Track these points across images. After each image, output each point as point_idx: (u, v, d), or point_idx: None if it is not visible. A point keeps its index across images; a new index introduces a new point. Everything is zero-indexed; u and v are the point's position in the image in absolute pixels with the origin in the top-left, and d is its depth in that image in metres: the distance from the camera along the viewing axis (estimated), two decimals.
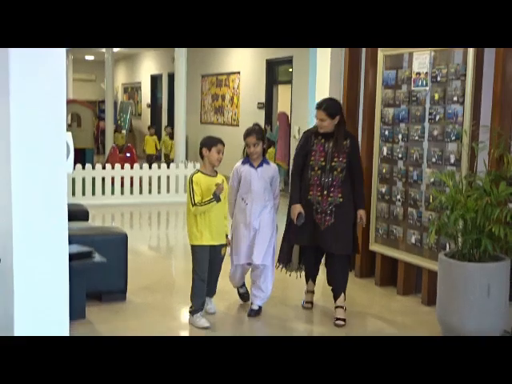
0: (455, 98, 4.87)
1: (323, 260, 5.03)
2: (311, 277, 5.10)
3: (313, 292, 5.12)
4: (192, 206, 4.44)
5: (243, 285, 5.17)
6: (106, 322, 4.62)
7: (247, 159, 4.84)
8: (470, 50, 4.72)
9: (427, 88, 5.14)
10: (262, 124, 12.67)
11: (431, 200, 4.97)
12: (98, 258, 4.58)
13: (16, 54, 3.22)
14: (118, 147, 14.44)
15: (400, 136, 5.40)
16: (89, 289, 4.69)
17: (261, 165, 4.82)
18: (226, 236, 4.71)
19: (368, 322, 4.96)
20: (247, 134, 4.79)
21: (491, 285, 4.22)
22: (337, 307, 4.79)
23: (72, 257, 3.78)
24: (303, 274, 5.15)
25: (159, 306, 5.15)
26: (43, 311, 3.53)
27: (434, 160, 5.06)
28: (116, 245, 5.05)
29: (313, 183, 4.72)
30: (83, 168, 10.03)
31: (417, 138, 5.24)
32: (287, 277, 5.35)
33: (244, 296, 5.18)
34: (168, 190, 10.62)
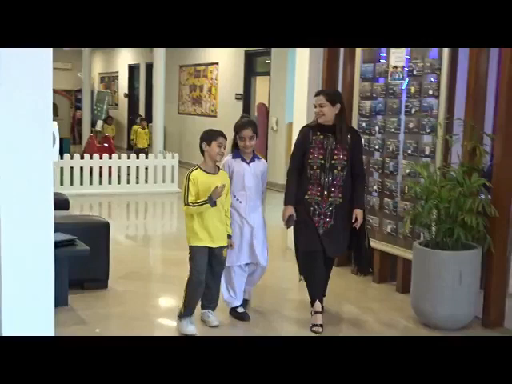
0: (430, 92, 5.01)
1: None
2: (319, 295, 4.51)
3: (322, 313, 4.49)
4: (184, 205, 4.16)
5: (241, 304, 4.63)
6: (89, 309, 4.70)
7: (237, 153, 4.49)
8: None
9: (403, 81, 5.28)
10: (241, 114, 12.76)
11: (406, 190, 5.11)
12: (81, 246, 4.64)
13: None
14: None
15: (377, 128, 5.54)
16: (71, 277, 4.75)
17: (253, 160, 4.50)
18: (229, 236, 4.36)
19: (344, 309, 5.09)
20: (242, 126, 4.44)
21: (463, 272, 4.38)
22: (316, 312, 4.45)
23: (56, 244, 3.85)
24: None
25: (140, 293, 5.24)
26: (29, 298, 3.59)
27: (409, 152, 5.20)
28: (98, 233, 5.12)
29: (312, 182, 4.40)
30: (61, 158, 10.03)
31: (393, 130, 5.38)
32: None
33: (245, 316, 4.58)
34: (146, 181, 10.68)
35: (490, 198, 4.49)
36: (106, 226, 5.22)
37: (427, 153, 5.05)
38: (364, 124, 5.70)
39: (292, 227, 4.54)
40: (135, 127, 14.35)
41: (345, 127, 4.42)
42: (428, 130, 5.03)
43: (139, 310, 4.81)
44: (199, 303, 4.38)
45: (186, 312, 4.24)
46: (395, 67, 5.36)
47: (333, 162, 4.36)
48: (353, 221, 4.42)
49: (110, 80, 20.34)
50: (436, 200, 4.44)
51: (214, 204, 4.09)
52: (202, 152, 4.25)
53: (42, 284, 3.69)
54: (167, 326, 4.63)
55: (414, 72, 5.16)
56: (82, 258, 4.70)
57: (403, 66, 5.27)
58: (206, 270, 4.24)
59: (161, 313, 4.91)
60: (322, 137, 4.40)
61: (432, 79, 5.00)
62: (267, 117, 11.75)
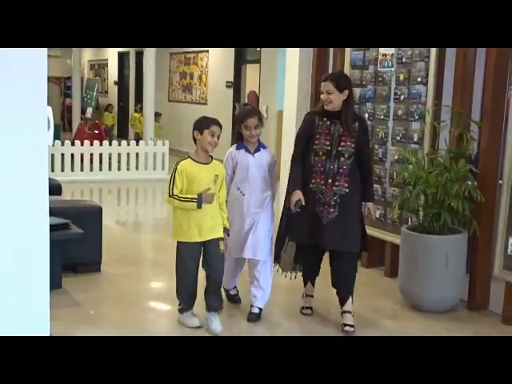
0: (419, 79, 5.09)
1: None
2: (311, 279, 4.49)
3: (312, 296, 4.53)
4: (168, 196, 3.91)
5: (234, 287, 4.64)
6: (83, 291, 4.77)
7: (242, 144, 4.28)
8: None
9: (392, 69, 5.35)
10: (231, 102, 12.80)
11: (395, 176, 5.20)
12: (74, 229, 4.70)
13: None
14: (107, 128, 14.34)
15: (366, 115, 5.61)
16: (64, 260, 4.81)
17: (258, 150, 4.28)
18: (225, 230, 4.08)
19: (333, 293, 5.17)
20: (247, 114, 4.24)
21: (449, 256, 4.49)
22: (344, 312, 4.25)
23: (50, 228, 3.90)
24: (299, 274, 4.58)
25: (133, 276, 5.32)
26: (24, 280, 3.65)
27: (398, 138, 5.29)
28: (91, 217, 5.18)
29: (316, 170, 4.15)
30: (52, 144, 10.04)
31: (382, 117, 5.46)
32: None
33: (235, 298, 4.62)
34: (137, 167, 10.73)
35: (477, 184, 4.59)
36: (98, 211, 5.29)
37: (415, 139, 5.14)
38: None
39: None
40: (135, 114, 14.38)
41: (352, 114, 4.18)
42: (416, 117, 5.12)
43: (132, 292, 4.88)
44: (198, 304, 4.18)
45: (183, 306, 4.13)
46: (384, 55, 5.44)
47: (340, 148, 4.12)
48: (365, 214, 4.26)
49: (99, 67, 20.27)
50: (424, 185, 4.53)
51: (199, 206, 3.86)
52: (195, 140, 4.01)
53: (37, 266, 3.75)
54: (159, 308, 4.72)
55: (403, 59, 5.24)
56: (76, 241, 4.76)
57: (392, 54, 5.35)
58: (203, 265, 4.05)
59: (153, 295, 4.98)
60: (328, 122, 4.16)
61: (420, 67, 5.08)
62: (258, 105, 11.80)
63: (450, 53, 4.88)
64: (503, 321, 4.45)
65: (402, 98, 5.26)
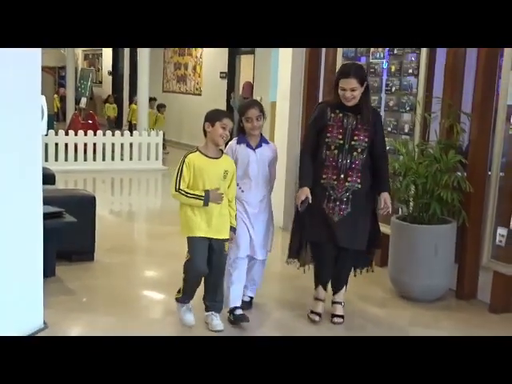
0: (410, 71, 5.14)
1: None
2: (323, 282, 4.22)
3: (323, 301, 4.22)
4: (174, 191, 3.72)
5: (240, 306, 4.13)
6: (76, 280, 4.81)
7: (243, 138, 4.08)
8: None
9: (384, 60, 5.40)
10: (225, 93, 12.81)
11: None
12: (68, 218, 4.73)
13: None
14: (110, 120, 14.14)
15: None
16: (58, 249, 4.84)
17: (259, 145, 4.09)
18: (231, 228, 3.91)
19: None
20: (248, 105, 4.07)
21: (438, 246, 4.55)
22: (335, 303, 4.24)
23: (44, 216, 3.95)
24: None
25: (126, 265, 5.36)
26: (18, 268, 3.69)
27: (389, 129, 5.34)
28: (85, 206, 5.21)
29: (328, 165, 3.97)
30: (46, 134, 10.04)
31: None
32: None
33: (243, 318, 4.05)
34: (131, 157, 10.75)
35: (466, 175, 4.65)
36: (92, 200, 5.32)
37: (406, 130, 5.19)
38: None
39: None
40: (134, 106, 13.92)
41: (368, 109, 3.97)
42: (407, 108, 5.17)
43: (125, 281, 4.93)
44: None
45: (182, 297, 3.94)
46: None
47: (353, 142, 3.93)
48: (381, 206, 4.04)
49: (94, 57, 20.22)
50: (414, 176, 4.58)
51: (206, 204, 3.70)
52: (205, 133, 3.81)
53: (31, 254, 3.79)
54: (152, 296, 4.78)
55: (395, 51, 5.28)
56: (69, 230, 4.79)
57: None
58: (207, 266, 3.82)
59: (146, 283, 5.03)
60: (341, 115, 3.95)
61: (412, 58, 5.12)
62: (252, 95, 11.81)
63: None
64: (491, 310, 4.52)
65: (393, 89, 5.31)
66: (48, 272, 4.49)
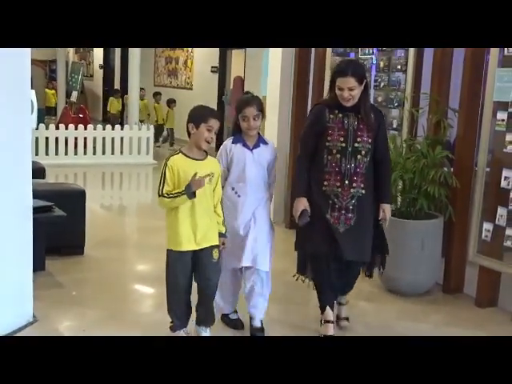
0: (399, 67, 5.18)
1: None
2: (330, 303, 3.88)
3: (333, 322, 3.89)
4: (158, 196, 3.40)
5: (235, 311, 4.02)
6: (66, 273, 4.83)
7: (239, 137, 3.74)
8: None
9: (373, 56, 5.44)
10: (217, 87, 12.81)
11: None
12: (58, 212, 4.75)
13: None
14: (113, 116, 13.94)
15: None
16: (48, 242, 4.86)
17: (257, 145, 3.74)
18: (221, 235, 3.55)
19: None
20: (245, 103, 3.68)
21: (425, 240, 4.59)
22: (341, 304, 4.08)
23: (33, 210, 3.97)
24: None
25: (116, 259, 5.38)
26: (7, 262, 3.71)
27: None
28: (74, 200, 5.23)
29: (330, 170, 3.65)
30: (36, 128, 10.03)
31: None
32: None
33: (237, 323, 3.97)
34: (121, 152, 10.75)
35: (453, 170, 4.70)
36: (82, 194, 5.34)
37: (394, 126, 5.23)
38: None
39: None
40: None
41: (369, 108, 3.69)
42: (396, 104, 5.22)
43: (115, 275, 4.96)
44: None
45: (175, 323, 3.58)
46: None
47: (356, 145, 3.63)
48: (380, 217, 3.75)
49: (85, 51, 20.14)
50: (401, 171, 4.62)
51: (192, 195, 3.32)
52: (189, 134, 3.46)
53: (21, 248, 3.81)
54: (142, 290, 4.81)
55: (383, 47, 5.32)
56: (59, 224, 4.80)
57: None
58: (195, 277, 3.52)
59: (136, 277, 5.06)
60: (341, 115, 3.64)
61: (400, 55, 5.16)
62: (242, 89, 11.83)
63: None
64: (477, 304, 4.58)
65: (381, 85, 5.35)
66: (37, 266, 4.50)
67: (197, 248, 3.43)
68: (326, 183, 3.67)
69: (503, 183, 4.28)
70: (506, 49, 4.25)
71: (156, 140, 12.52)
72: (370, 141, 3.66)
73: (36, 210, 4.37)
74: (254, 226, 3.73)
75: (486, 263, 4.50)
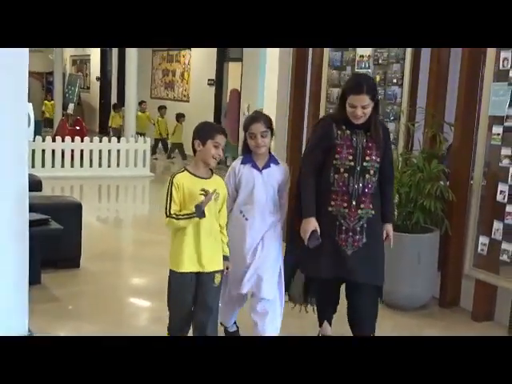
0: (395, 81, 5.21)
1: None
2: (328, 318, 3.84)
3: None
4: (165, 217, 3.26)
5: (234, 322, 3.96)
6: (62, 287, 4.82)
7: (249, 157, 3.58)
8: None
9: (369, 70, 5.46)
10: (213, 100, 12.85)
11: None
12: (54, 225, 4.74)
13: None
14: (114, 129, 13.76)
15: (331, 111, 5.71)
16: (44, 256, 4.85)
17: (267, 165, 3.57)
18: (225, 258, 3.41)
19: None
20: (251, 120, 3.55)
21: (422, 254, 4.60)
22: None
23: (29, 224, 3.96)
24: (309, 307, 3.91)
25: (112, 272, 5.38)
26: (3, 275, 3.70)
27: None
28: (70, 213, 5.23)
29: (337, 190, 3.47)
30: (33, 140, 10.03)
31: None
32: None
33: (235, 335, 3.94)
34: (118, 164, 10.75)
35: (448, 184, 4.71)
36: (78, 207, 5.34)
37: (391, 139, 5.23)
38: (331, 111, 5.87)
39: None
40: (140, 114, 13.53)
41: (378, 125, 3.52)
42: (392, 118, 5.24)
43: (111, 288, 4.95)
44: None
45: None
46: (362, 56, 5.55)
47: (365, 164, 3.46)
48: (384, 238, 3.64)
49: (82, 63, 20.21)
50: (397, 185, 4.63)
51: (203, 215, 3.19)
52: (194, 151, 3.34)
53: (16, 262, 3.80)
54: (138, 303, 4.80)
55: (380, 61, 5.35)
56: (55, 237, 4.79)
57: (369, 55, 5.46)
58: (194, 301, 3.35)
59: (132, 291, 5.06)
60: (348, 132, 3.46)
61: (396, 68, 5.19)
62: (239, 101, 11.88)
63: (425, 55, 4.99)
64: (473, 318, 4.58)
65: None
66: (33, 279, 4.47)
67: (200, 270, 3.29)
68: (332, 203, 3.48)
69: (499, 197, 4.29)
70: (500, 63, 4.28)
71: (153, 152, 12.55)
72: (378, 160, 3.50)
73: (32, 223, 4.36)
74: (261, 251, 3.56)
75: (483, 277, 4.50)
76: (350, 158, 3.46)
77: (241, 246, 3.55)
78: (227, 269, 3.43)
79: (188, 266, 3.28)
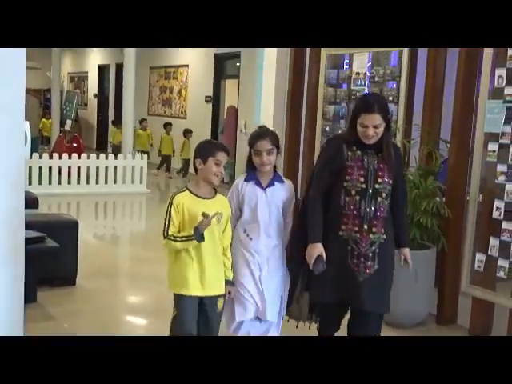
0: (390, 98, 5.23)
1: None
2: (331, 334, 3.75)
3: None
4: (163, 238, 3.18)
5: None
6: (58, 305, 4.80)
7: (252, 174, 3.48)
8: (405, 55, 5.09)
9: (365, 87, 5.49)
10: (211, 117, 12.89)
11: None
12: (50, 243, 4.73)
13: None
14: (115, 146, 13.66)
15: (340, 132, 5.74)
16: (40, 273, 4.83)
17: (271, 183, 3.47)
18: (227, 282, 3.34)
19: None
20: (257, 136, 3.44)
21: (418, 271, 4.58)
22: None
23: (25, 241, 3.95)
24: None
25: (108, 290, 5.35)
26: None
27: None
28: (67, 231, 5.21)
29: (348, 213, 3.33)
30: (30, 157, 10.04)
31: None
32: None
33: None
34: (115, 181, 10.74)
35: (445, 200, 4.72)
36: (74, 224, 5.33)
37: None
38: (328, 128, 5.91)
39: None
40: (140, 131, 13.55)
41: (390, 146, 3.38)
42: None
43: (107, 306, 4.93)
44: None
45: None
46: (358, 73, 5.58)
47: (377, 186, 3.32)
48: (402, 264, 3.52)
49: (79, 80, 20.29)
50: None
51: (201, 239, 3.11)
52: (196, 170, 3.28)
53: (12, 280, 3.78)
54: (134, 322, 4.77)
55: (376, 79, 5.39)
56: (51, 255, 4.79)
57: (365, 73, 5.49)
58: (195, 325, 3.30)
59: (128, 309, 5.03)
60: (359, 153, 3.34)
61: (392, 86, 5.22)
62: (235, 118, 11.92)
63: (420, 73, 5.03)
64: (470, 334, 4.56)
65: None
66: (29, 297, 4.46)
67: (203, 294, 3.23)
68: (343, 227, 3.33)
69: (495, 214, 4.30)
70: (495, 81, 4.30)
71: (158, 168, 12.73)
72: (390, 182, 3.36)
73: (28, 240, 4.36)
74: (266, 273, 3.47)
75: (479, 294, 4.50)
76: (362, 179, 3.32)
77: (245, 267, 3.46)
78: (229, 293, 3.35)
79: (192, 289, 3.20)
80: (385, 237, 3.36)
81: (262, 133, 3.47)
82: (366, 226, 3.31)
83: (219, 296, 3.28)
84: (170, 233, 3.15)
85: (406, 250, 3.53)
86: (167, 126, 13.47)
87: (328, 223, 3.36)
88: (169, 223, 3.16)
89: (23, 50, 3.54)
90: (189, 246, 3.16)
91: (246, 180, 3.49)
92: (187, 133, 12.98)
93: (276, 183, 3.49)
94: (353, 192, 3.32)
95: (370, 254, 3.33)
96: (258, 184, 3.46)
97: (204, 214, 3.09)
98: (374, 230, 3.32)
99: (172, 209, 3.18)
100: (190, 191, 3.24)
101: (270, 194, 3.46)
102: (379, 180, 3.33)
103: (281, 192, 3.49)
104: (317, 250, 3.30)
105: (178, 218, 3.17)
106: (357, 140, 3.34)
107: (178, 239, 3.14)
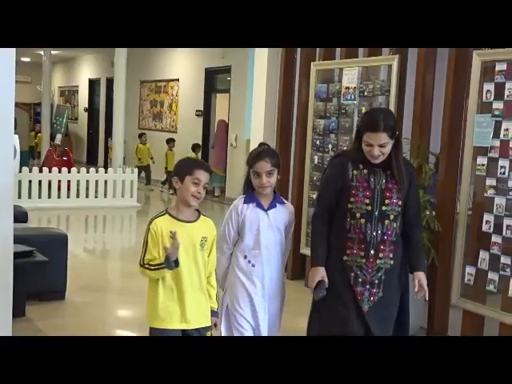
0: None
1: None
2: None
3: None
4: (139, 266, 2.90)
5: None
6: (46, 319, 4.77)
7: (251, 195, 3.25)
8: (394, 69, 5.12)
9: (355, 102, 5.52)
10: (201, 131, 12.90)
11: None
12: (39, 257, 4.71)
13: None
14: (141, 166, 13.27)
15: (330, 146, 5.76)
16: (28, 288, 4.80)
17: (273, 205, 3.24)
18: (213, 313, 3.06)
19: (300, 323, 5.24)
20: (257, 157, 3.20)
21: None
22: None
23: (14, 255, 3.93)
24: None
25: (97, 304, 5.33)
26: None
27: None
28: (56, 245, 5.19)
29: (353, 237, 3.13)
30: (20, 171, 10.00)
31: (345, 147, 5.59)
32: None
33: None
34: (105, 195, 10.72)
35: (435, 214, 4.73)
36: (64, 239, 5.31)
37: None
38: (318, 142, 5.92)
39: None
40: (141, 146, 13.50)
41: (401, 164, 3.13)
42: None
43: (96, 320, 4.90)
44: None
45: None
46: (347, 88, 5.60)
47: (384, 208, 3.11)
48: (416, 290, 3.23)
49: (70, 94, 20.29)
50: None
51: (173, 265, 2.81)
52: (175, 190, 3.00)
53: (0, 294, 3.76)
54: (123, 336, 4.73)
55: (365, 93, 5.41)
56: (40, 269, 4.76)
57: (355, 87, 5.52)
58: None
59: (117, 323, 5.00)
60: (366, 171, 3.12)
61: (382, 100, 5.25)
62: (226, 132, 11.96)
63: (409, 87, 5.06)
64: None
65: None
66: (17, 312, 4.44)
67: (186, 328, 2.93)
68: (348, 252, 3.14)
69: (485, 227, 4.31)
70: (484, 95, 4.34)
71: (163, 183, 12.75)
72: (399, 203, 3.12)
73: (17, 255, 4.33)
74: (267, 301, 3.28)
75: (470, 307, 4.50)
76: (367, 201, 3.10)
77: (245, 296, 3.25)
78: (215, 326, 3.09)
79: (174, 323, 2.91)
80: (392, 262, 3.16)
81: (262, 153, 3.22)
82: (372, 251, 3.11)
83: (205, 328, 3.00)
84: (145, 261, 2.88)
85: (421, 275, 3.23)
86: (170, 141, 13.21)
87: (331, 247, 3.19)
88: (145, 251, 2.89)
89: (12, 62, 3.54)
90: (164, 274, 2.87)
91: (245, 202, 3.25)
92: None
93: (277, 205, 3.27)
94: (357, 215, 3.11)
95: (376, 281, 3.14)
96: (259, 206, 3.23)
97: (171, 233, 2.81)
98: (380, 255, 3.13)
99: (149, 236, 2.89)
100: (170, 214, 2.94)
101: (272, 216, 3.24)
102: (386, 201, 3.11)
103: (283, 214, 3.29)
104: (319, 274, 3.13)
105: (156, 247, 2.86)
106: (363, 157, 3.12)
107: (152, 267, 2.86)
